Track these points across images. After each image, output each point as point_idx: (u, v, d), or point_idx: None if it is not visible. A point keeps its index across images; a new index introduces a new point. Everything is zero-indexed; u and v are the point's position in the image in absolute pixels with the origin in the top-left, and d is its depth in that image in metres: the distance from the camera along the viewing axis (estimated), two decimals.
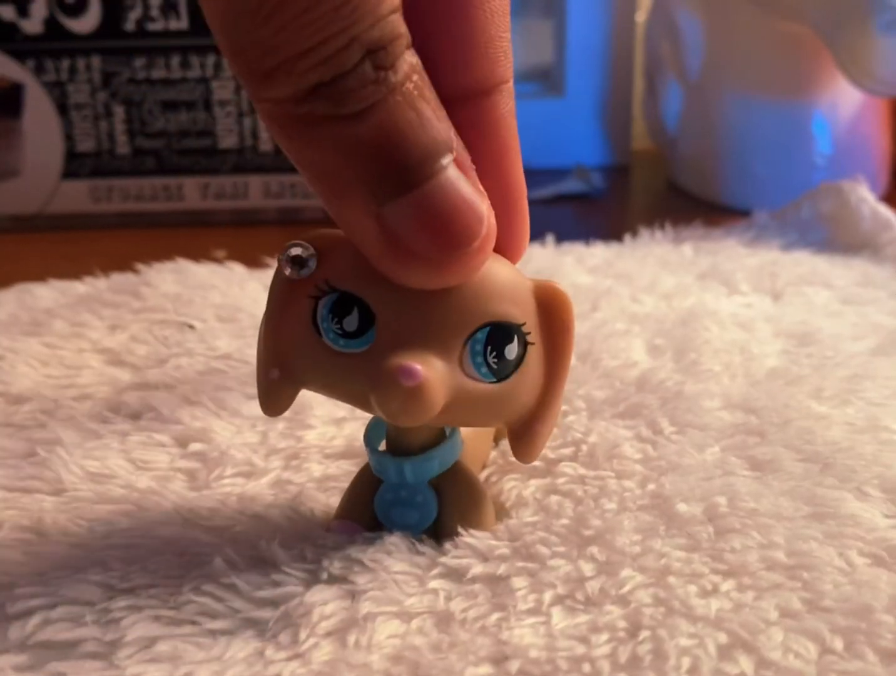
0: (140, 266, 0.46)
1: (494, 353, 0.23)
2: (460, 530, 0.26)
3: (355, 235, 0.22)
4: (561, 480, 0.29)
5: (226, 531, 0.27)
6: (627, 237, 0.51)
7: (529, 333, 0.24)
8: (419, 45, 0.21)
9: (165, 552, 0.25)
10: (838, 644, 0.22)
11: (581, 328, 0.39)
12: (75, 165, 0.57)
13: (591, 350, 0.37)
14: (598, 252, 0.48)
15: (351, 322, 0.23)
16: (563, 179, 0.63)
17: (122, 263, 0.47)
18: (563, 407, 0.33)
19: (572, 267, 0.46)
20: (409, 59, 0.20)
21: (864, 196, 0.50)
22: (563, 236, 0.50)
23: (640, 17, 0.70)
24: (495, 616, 0.23)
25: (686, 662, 0.22)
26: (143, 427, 0.32)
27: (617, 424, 0.32)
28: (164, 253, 0.47)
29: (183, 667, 0.22)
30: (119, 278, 0.45)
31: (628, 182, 0.69)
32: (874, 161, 0.60)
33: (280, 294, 0.24)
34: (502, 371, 0.23)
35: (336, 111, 0.20)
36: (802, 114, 0.58)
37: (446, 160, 0.21)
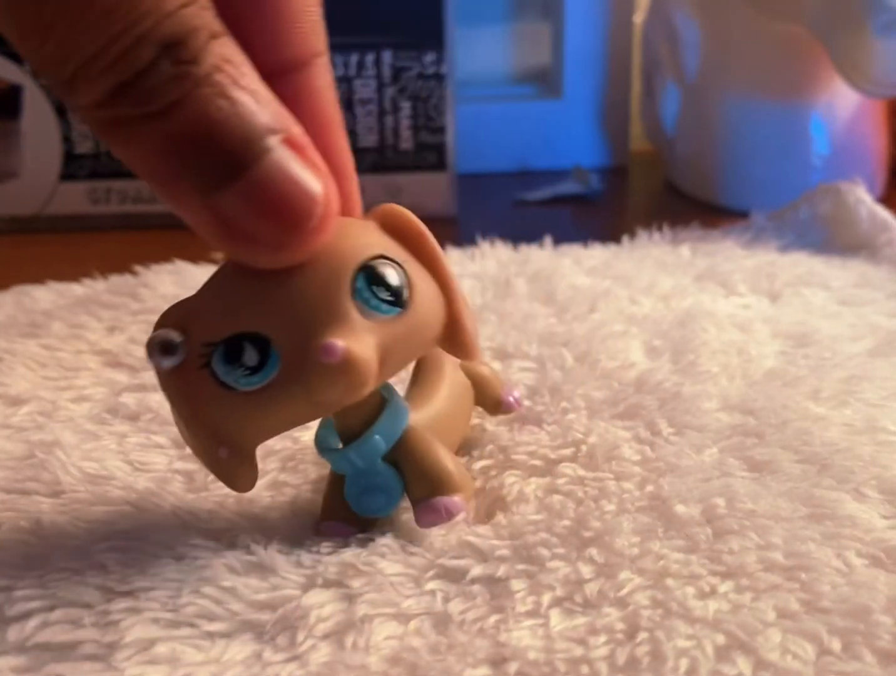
0: (138, 268, 0.46)
1: (382, 288, 0.23)
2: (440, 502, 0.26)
3: (195, 227, 0.22)
4: (561, 480, 0.29)
5: (224, 533, 0.27)
6: (625, 239, 0.51)
7: (395, 256, 0.24)
8: (231, 27, 0.21)
9: (164, 555, 0.25)
10: (836, 644, 0.22)
11: (579, 330, 0.39)
12: (74, 166, 0.57)
13: (589, 351, 0.37)
14: (596, 253, 0.49)
15: (251, 357, 0.23)
16: (561, 180, 0.63)
17: (121, 264, 0.47)
18: (563, 404, 0.33)
19: (570, 268, 0.46)
20: (217, 50, 0.20)
21: (862, 197, 0.50)
22: (560, 238, 0.50)
23: (638, 18, 0.70)
24: (494, 618, 0.23)
25: (684, 663, 0.22)
26: (142, 429, 0.32)
27: (616, 425, 0.32)
28: (162, 255, 0.47)
29: (181, 669, 0.22)
30: (117, 280, 0.45)
31: (626, 183, 0.69)
32: (872, 162, 0.60)
33: (174, 386, 0.24)
34: (399, 298, 0.23)
35: (142, 111, 0.20)
36: (800, 115, 0.58)
37: (271, 142, 0.21)
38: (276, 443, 0.31)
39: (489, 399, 0.32)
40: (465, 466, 0.29)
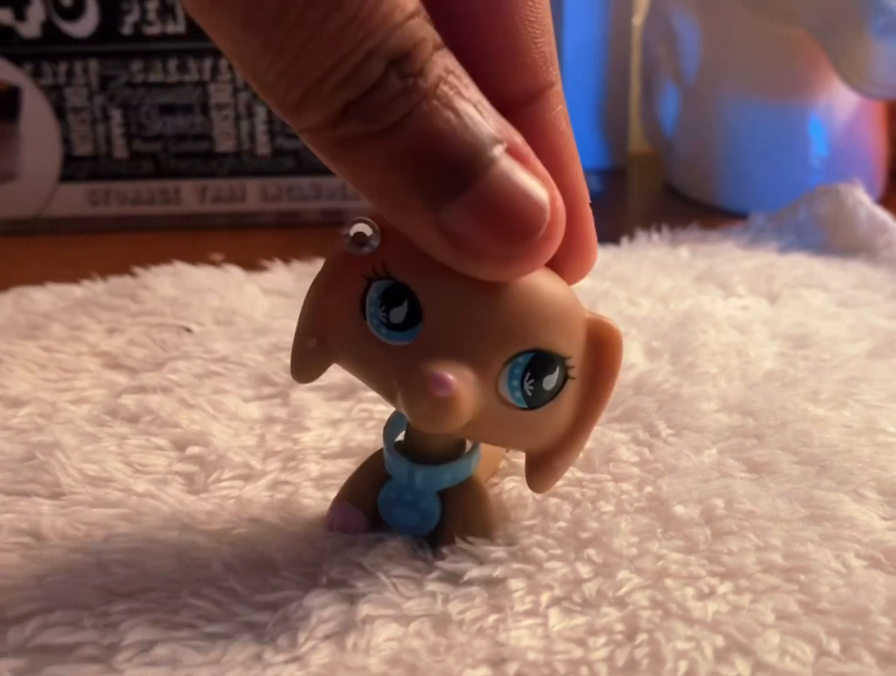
0: (138, 270, 0.46)
1: (532, 380, 0.22)
2: (457, 538, 0.26)
3: (421, 242, 0.21)
4: (559, 482, 0.29)
5: (224, 534, 0.27)
6: (624, 240, 0.51)
7: (573, 367, 0.23)
8: (459, 59, 0.21)
9: (164, 556, 0.25)
10: (835, 646, 0.22)
11: None
12: (73, 168, 0.57)
13: None
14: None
15: (398, 314, 0.22)
16: None
17: (120, 266, 0.47)
18: None
19: None
20: (440, 61, 0.20)
21: (861, 199, 0.50)
22: None
23: (637, 20, 0.70)
24: (493, 618, 0.23)
25: (683, 665, 0.22)
26: (141, 431, 0.32)
27: (614, 426, 0.32)
28: (161, 256, 0.47)
29: (181, 670, 0.22)
30: (117, 282, 0.45)
31: (625, 185, 0.69)
32: (870, 164, 0.60)
33: (334, 266, 0.23)
34: (536, 400, 0.23)
35: (371, 128, 0.20)
36: (799, 116, 0.58)
37: (496, 152, 0.20)
38: (276, 444, 0.32)
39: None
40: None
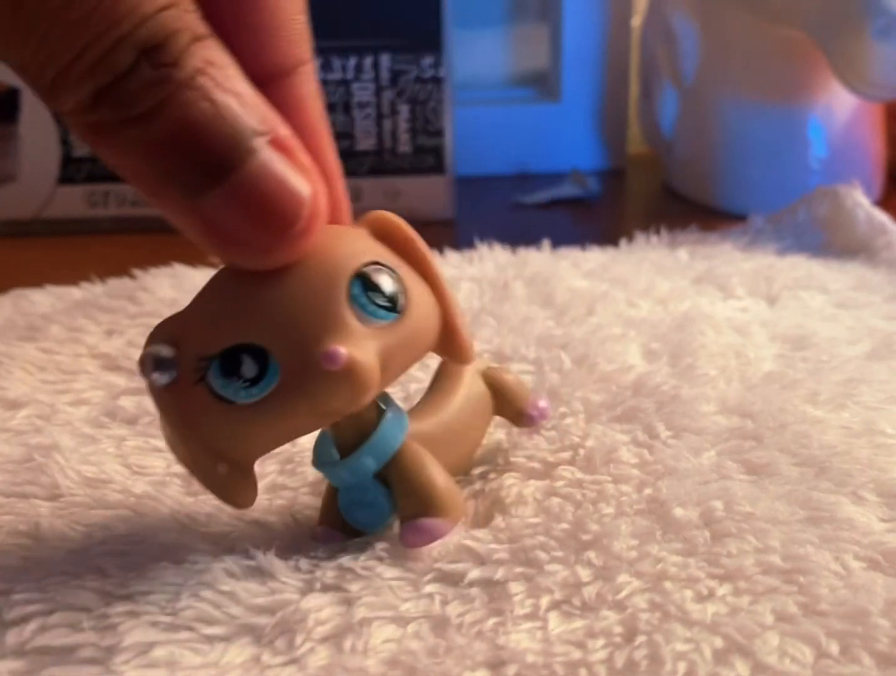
0: (136, 271, 0.46)
1: (378, 293, 0.23)
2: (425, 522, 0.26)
3: (183, 230, 0.21)
4: (559, 483, 0.29)
5: (222, 537, 0.27)
6: (623, 242, 0.51)
7: (387, 262, 0.24)
8: (216, 33, 0.21)
9: (162, 558, 0.25)
10: (834, 648, 0.22)
11: (577, 333, 0.39)
12: (72, 170, 0.57)
13: (587, 354, 0.37)
14: (594, 257, 0.49)
15: (249, 368, 0.22)
16: (560, 183, 0.64)
17: (119, 268, 0.47)
18: (562, 409, 0.33)
19: (568, 271, 0.46)
20: (199, 53, 0.20)
21: (860, 200, 0.50)
22: (559, 241, 0.50)
23: (636, 21, 0.70)
24: (492, 621, 0.23)
25: (682, 667, 0.22)
26: (140, 432, 0.32)
27: (614, 428, 0.32)
28: (160, 258, 0.47)
29: (180, 672, 0.22)
30: (115, 283, 0.45)
31: (624, 186, 0.69)
32: (869, 165, 0.60)
33: (169, 403, 0.23)
34: (396, 303, 0.23)
35: (124, 115, 0.20)
36: (798, 118, 0.58)
37: (256, 144, 0.21)
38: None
39: (510, 410, 0.31)
40: (463, 480, 0.29)
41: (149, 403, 0.34)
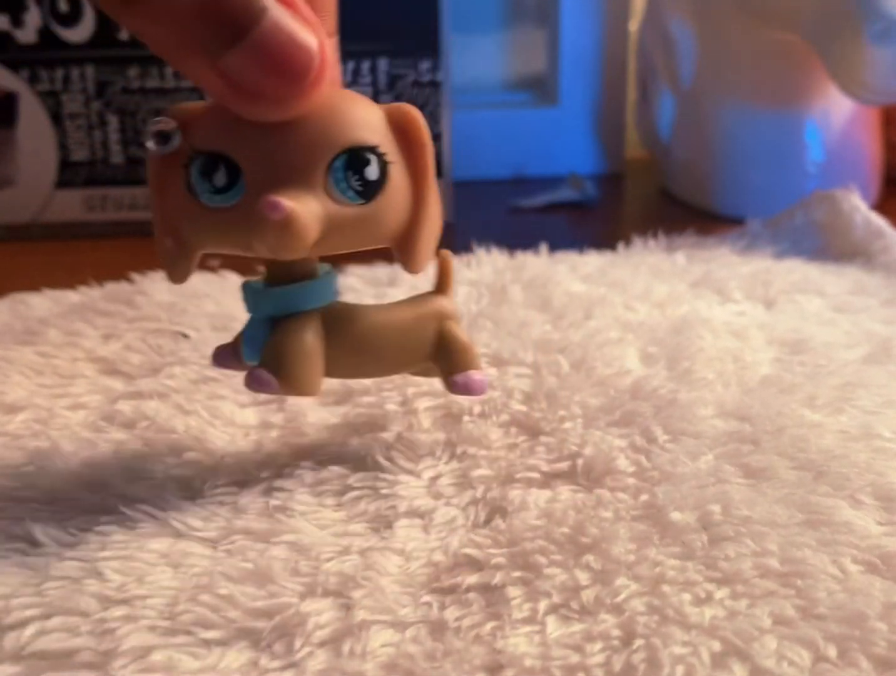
0: (134, 275, 0.46)
1: (357, 176, 0.25)
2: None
3: (205, 88, 0.24)
4: (558, 489, 0.29)
5: (220, 541, 0.27)
6: (621, 245, 0.51)
7: (386, 153, 0.25)
8: None
9: (160, 563, 0.25)
10: (832, 651, 0.22)
11: (575, 336, 0.39)
12: (69, 174, 0.57)
13: (584, 358, 0.37)
14: (592, 260, 0.49)
15: (220, 178, 0.25)
16: (557, 187, 0.64)
17: (116, 272, 0.47)
18: (560, 413, 0.33)
19: (566, 275, 0.46)
20: None
21: (857, 204, 0.51)
22: (556, 245, 0.50)
23: (633, 25, 0.70)
24: (490, 625, 0.23)
25: (680, 670, 0.22)
26: (138, 436, 0.32)
27: (612, 431, 0.32)
28: (158, 262, 0.47)
29: None
30: (113, 287, 0.45)
31: (622, 190, 0.69)
32: (866, 169, 0.60)
33: (157, 171, 0.26)
34: (368, 192, 0.25)
35: None
36: (795, 122, 0.58)
37: (267, 2, 0.23)
38: (272, 449, 0.32)
39: (444, 370, 0.30)
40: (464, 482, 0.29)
41: (146, 407, 0.34)
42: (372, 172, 0.25)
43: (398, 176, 0.26)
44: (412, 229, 0.27)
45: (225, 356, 0.30)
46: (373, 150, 0.25)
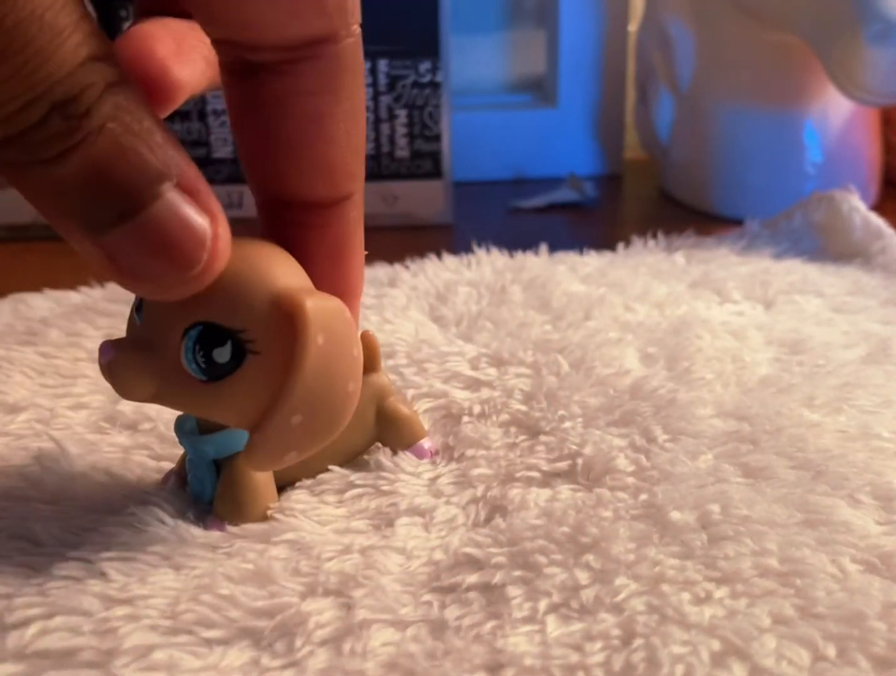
0: None
1: (202, 352, 0.24)
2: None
3: (90, 261, 0.22)
4: (558, 489, 0.29)
5: (221, 541, 0.27)
6: (620, 246, 0.51)
7: (251, 341, 0.24)
8: (262, 160, 0.24)
9: (162, 563, 0.26)
10: (831, 650, 0.22)
11: (575, 337, 0.39)
12: None
13: (584, 358, 0.37)
14: (591, 261, 0.49)
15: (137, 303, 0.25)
16: (557, 188, 0.64)
17: None
18: (560, 413, 0.33)
19: (565, 276, 0.46)
20: (111, 99, 0.20)
21: (856, 205, 0.51)
22: (556, 245, 0.50)
23: (632, 27, 0.70)
24: (490, 624, 0.24)
25: (680, 669, 0.22)
26: (140, 437, 0.32)
27: (612, 431, 0.32)
28: None
29: (179, 675, 0.22)
30: (114, 288, 0.45)
31: (621, 191, 0.69)
32: (865, 170, 0.60)
33: None
34: (211, 372, 0.24)
35: (32, 158, 0.20)
36: (794, 123, 0.58)
37: (162, 187, 0.21)
38: None
39: (391, 445, 0.31)
40: (464, 482, 0.29)
41: (148, 408, 0.34)
42: (222, 354, 0.23)
43: (262, 367, 0.24)
44: (261, 428, 0.24)
45: (171, 479, 0.30)
46: (232, 333, 0.23)
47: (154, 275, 0.22)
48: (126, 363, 0.24)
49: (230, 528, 0.27)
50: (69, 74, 0.20)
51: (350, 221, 0.26)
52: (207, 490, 0.28)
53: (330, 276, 0.26)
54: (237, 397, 0.24)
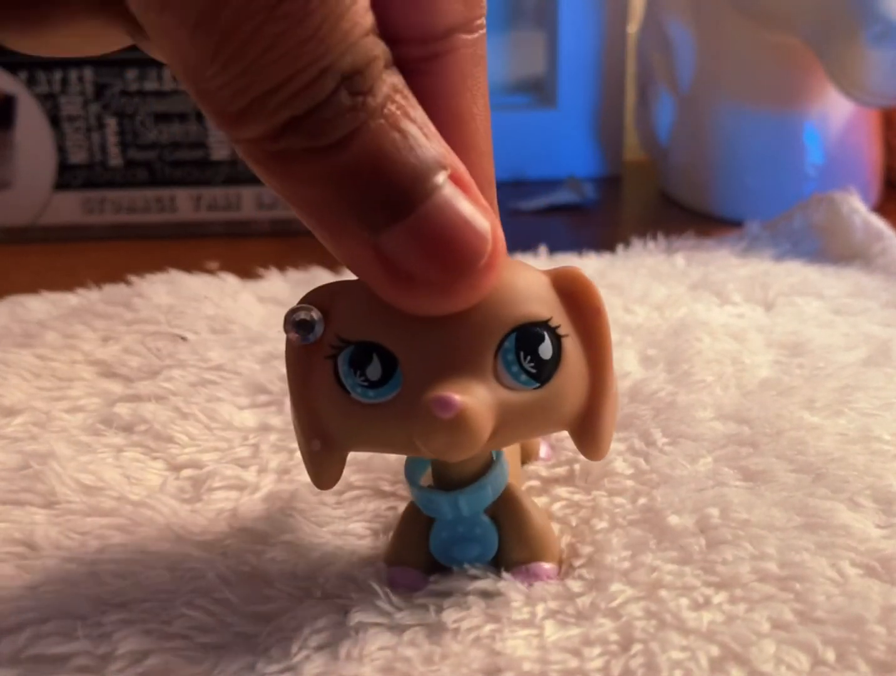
0: (133, 278, 0.46)
1: (529, 357, 0.22)
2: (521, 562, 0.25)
3: (355, 267, 0.20)
4: (557, 493, 0.29)
5: (218, 545, 0.27)
6: (620, 248, 0.51)
7: (559, 325, 0.22)
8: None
9: (157, 566, 0.25)
10: (830, 655, 0.22)
11: None
12: (67, 176, 0.57)
13: None
14: (591, 263, 0.49)
15: (374, 371, 0.22)
16: (556, 189, 0.64)
17: (115, 274, 0.46)
18: None
19: None
20: (389, 80, 0.19)
21: (856, 207, 0.50)
22: (555, 247, 0.50)
23: (632, 28, 0.70)
24: (488, 628, 0.23)
25: (678, 675, 0.22)
26: (136, 440, 0.32)
27: None
28: (156, 265, 0.47)
29: None
30: (111, 290, 0.45)
31: (620, 193, 0.69)
32: (865, 172, 0.60)
33: (297, 363, 0.23)
34: (543, 373, 0.22)
35: (315, 144, 0.19)
36: (794, 125, 0.58)
37: (440, 179, 0.19)
38: (271, 455, 0.31)
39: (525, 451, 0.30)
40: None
41: (144, 410, 0.34)
42: (546, 350, 0.22)
43: (573, 351, 0.22)
44: (592, 411, 0.23)
45: (415, 577, 0.25)
46: (545, 324, 0.22)
47: (435, 277, 0.20)
48: (478, 406, 0.21)
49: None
50: (356, 43, 0.18)
51: (468, 73, 0.21)
52: (493, 546, 0.25)
53: (458, 136, 0.21)
54: (568, 390, 0.22)
